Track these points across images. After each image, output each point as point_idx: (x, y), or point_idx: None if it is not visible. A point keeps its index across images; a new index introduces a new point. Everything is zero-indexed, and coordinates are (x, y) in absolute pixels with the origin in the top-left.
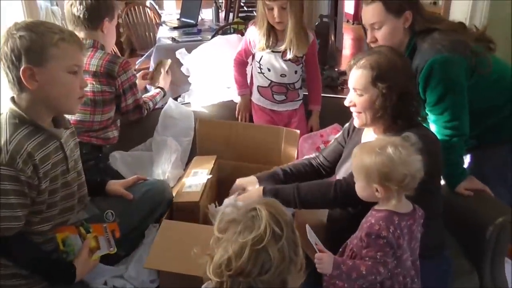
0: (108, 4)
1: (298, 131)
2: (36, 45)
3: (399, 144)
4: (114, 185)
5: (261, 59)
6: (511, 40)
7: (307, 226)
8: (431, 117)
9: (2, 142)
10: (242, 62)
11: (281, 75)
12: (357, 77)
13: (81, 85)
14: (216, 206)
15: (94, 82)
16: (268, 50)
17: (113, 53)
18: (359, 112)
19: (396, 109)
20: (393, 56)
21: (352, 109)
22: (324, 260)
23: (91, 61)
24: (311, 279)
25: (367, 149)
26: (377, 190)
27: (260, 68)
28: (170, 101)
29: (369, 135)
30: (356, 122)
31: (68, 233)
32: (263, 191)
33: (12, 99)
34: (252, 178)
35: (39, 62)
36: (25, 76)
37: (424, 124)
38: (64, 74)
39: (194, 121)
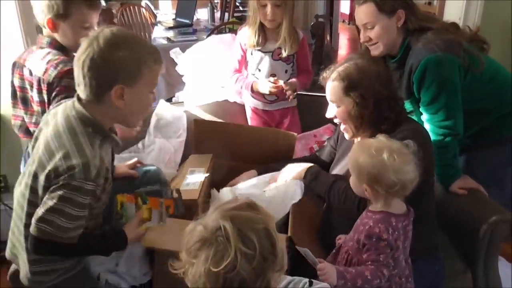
0: (52, 3)
1: (296, 134)
2: (134, 67)
3: (396, 151)
4: (120, 168)
5: (251, 60)
6: (511, 40)
7: (303, 250)
8: (425, 116)
9: (89, 156)
10: (240, 73)
11: (271, 75)
12: (330, 89)
13: (153, 100)
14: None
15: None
16: (258, 49)
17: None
18: (343, 124)
19: (375, 116)
20: (363, 63)
21: (335, 120)
22: (328, 270)
23: (39, 64)
24: None
25: (365, 147)
26: (366, 190)
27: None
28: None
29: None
30: (346, 135)
31: (126, 199)
32: (306, 170)
33: (81, 102)
34: (252, 171)
35: (131, 83)
36: (116, 95)
37: (414, 117)
38: (148, 95)
39: (186, 121)
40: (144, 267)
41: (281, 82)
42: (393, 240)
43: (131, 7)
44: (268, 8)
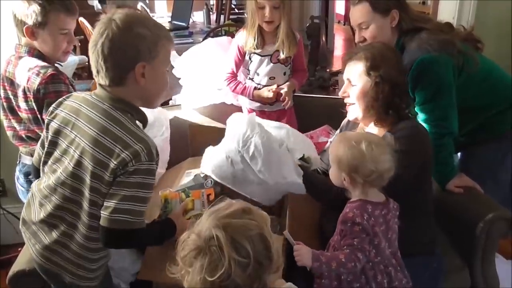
0: (31, 11)
1: None
2: (152, 44)
3: (374, 142)
4: None
5: (249, 64)
6: (508, 37)
7: (285, 232)
8: (420, 116)
9: (146, 139)
10: (235, 76)
11: (270, 78)
12: (352, 68)
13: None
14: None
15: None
16: (257, 53)
17: (47, 63)
18: (352, 103)
19: (388, 100)
20: (386, 50)
21: (346, 100)
22: (302, 252)
23: (21, 73)
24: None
25: (345, 139)
26: (344, 179)
27: (249, 74)
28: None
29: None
30: (350, 114)
31: (170, 196)
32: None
33: (107, 92)
34: None
35: (151, 60)
36: (138, 73)
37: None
38: (164, 72)
39: (168, 118)
40: (132, 255)
41: (284, 89)
42: (368, 225)
43: None
44: (267, 10)
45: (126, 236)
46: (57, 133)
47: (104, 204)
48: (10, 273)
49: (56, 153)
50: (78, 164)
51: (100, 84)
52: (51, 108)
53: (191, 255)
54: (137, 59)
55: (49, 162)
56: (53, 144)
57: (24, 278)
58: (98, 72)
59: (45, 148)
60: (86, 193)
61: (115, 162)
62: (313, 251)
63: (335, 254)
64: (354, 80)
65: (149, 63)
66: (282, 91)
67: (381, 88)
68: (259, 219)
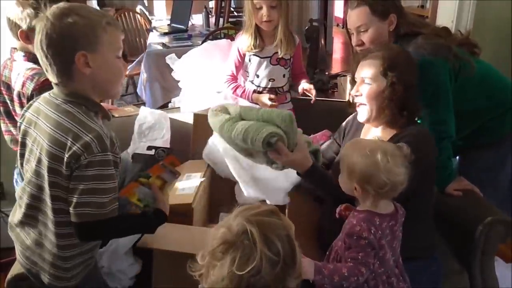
0: (25, 15)
1: None
2: (88, 30)
3: (390, 152)
4: None
5: (249, 66)
6: (505, 40)
7: None
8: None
9: (97, 129)
10: (235, 78)
11: (269, 80)
12: (367, 67)
13: (124, 66)
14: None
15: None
16: (256, 54)
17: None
18: (364, 104)
19: (402, 101)
20: (402, 52)
21: (358, 99)
22: (304, 265)
23: (17, 77)
24: None
25: (359, 147)
26: (355, 188)
27: (248, 76)
28: (142, 109)
29: (370, 134)
30: (360, 116)
31: (133, 189)
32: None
33: (60, 88)
34: None
35: (92, 47)
36: (80, 63)
37: None
38: (114, 60)
39: (168, 120)
40: (129, 259)
41: (308, 86)
42: (375, 239)
43: (126, 13)
44: (264, 10)
45: (96, 228)
46: (25, 134)
47: (68, 199)
48: (9, 276)
49: (26, 154)
50: (39, 161)
51: (53, 82)
52: (22, 111)
53: (221, 249)
54: (75, 49)
55: (24, 164)
56: (23, 145)
57: (21, 282)
58: (46, 71)
59: (19, 151)
60: (47, 188)
61: (67, 156)
62: (315, 263)
63: (338, 267)
64: (369, 78)
65: (91, 52)
66: (306, 87)
67: (397, 88)
68: (286, 222)
